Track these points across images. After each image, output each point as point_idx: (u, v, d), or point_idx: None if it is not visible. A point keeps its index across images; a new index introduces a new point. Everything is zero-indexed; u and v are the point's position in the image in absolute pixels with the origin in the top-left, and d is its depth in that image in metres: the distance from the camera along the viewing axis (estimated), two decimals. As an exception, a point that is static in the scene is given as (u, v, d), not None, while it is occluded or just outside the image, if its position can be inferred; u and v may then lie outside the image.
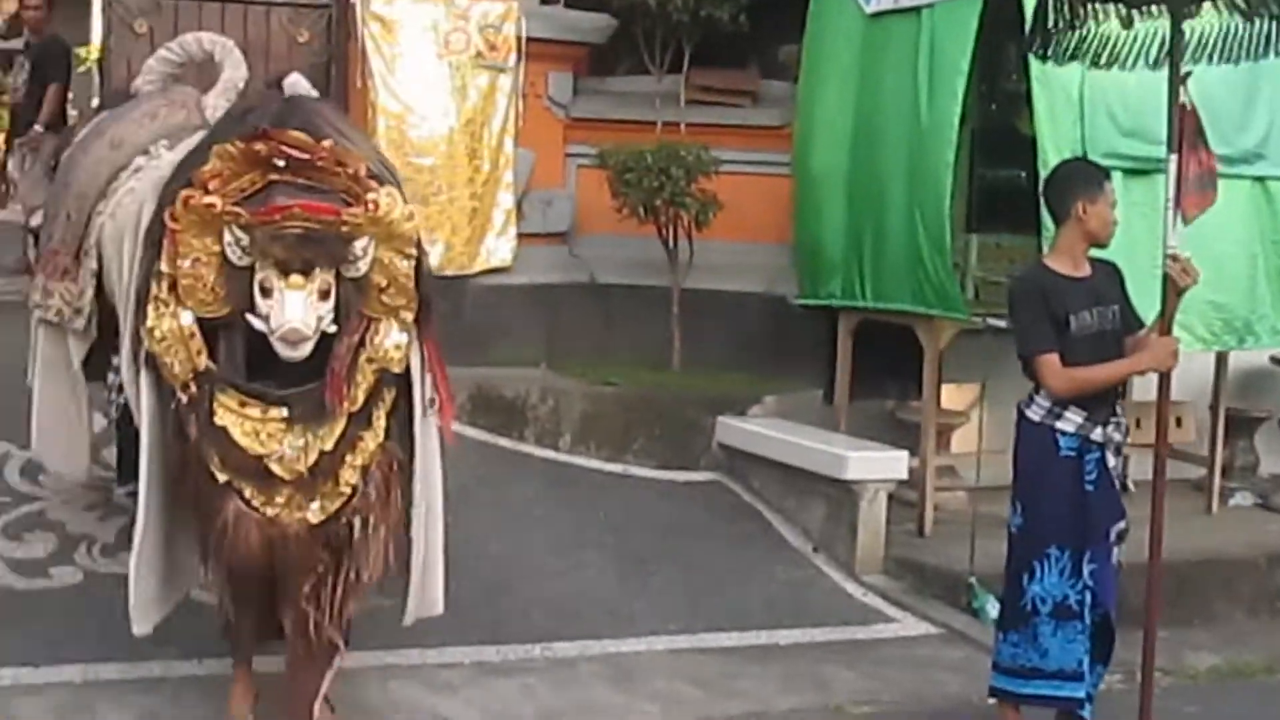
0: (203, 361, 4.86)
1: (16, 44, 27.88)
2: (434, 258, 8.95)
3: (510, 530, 7.46)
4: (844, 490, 7.72)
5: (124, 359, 5.49)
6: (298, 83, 6.55)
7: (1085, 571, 5.46)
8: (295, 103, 5.34)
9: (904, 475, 7.84)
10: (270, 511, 4.89)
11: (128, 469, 6.26)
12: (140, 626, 5.22)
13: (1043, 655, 5.50)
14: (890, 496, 7.77)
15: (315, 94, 6.41)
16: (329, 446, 4.89)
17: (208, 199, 4.72)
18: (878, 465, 7.77)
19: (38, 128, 11.45)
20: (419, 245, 4.98)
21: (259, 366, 4.90)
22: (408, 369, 5.10)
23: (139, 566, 5.18)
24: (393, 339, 4.95)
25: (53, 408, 6.45)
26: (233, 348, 4.91)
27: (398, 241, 4.87)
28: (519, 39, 9.28)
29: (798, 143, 8.84)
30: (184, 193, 4.76)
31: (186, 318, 4.84)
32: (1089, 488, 5.46)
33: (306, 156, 4.80)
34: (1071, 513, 5.45)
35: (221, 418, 4.84)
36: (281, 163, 4.81)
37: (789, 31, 9.19)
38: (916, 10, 7.86)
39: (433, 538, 5.43)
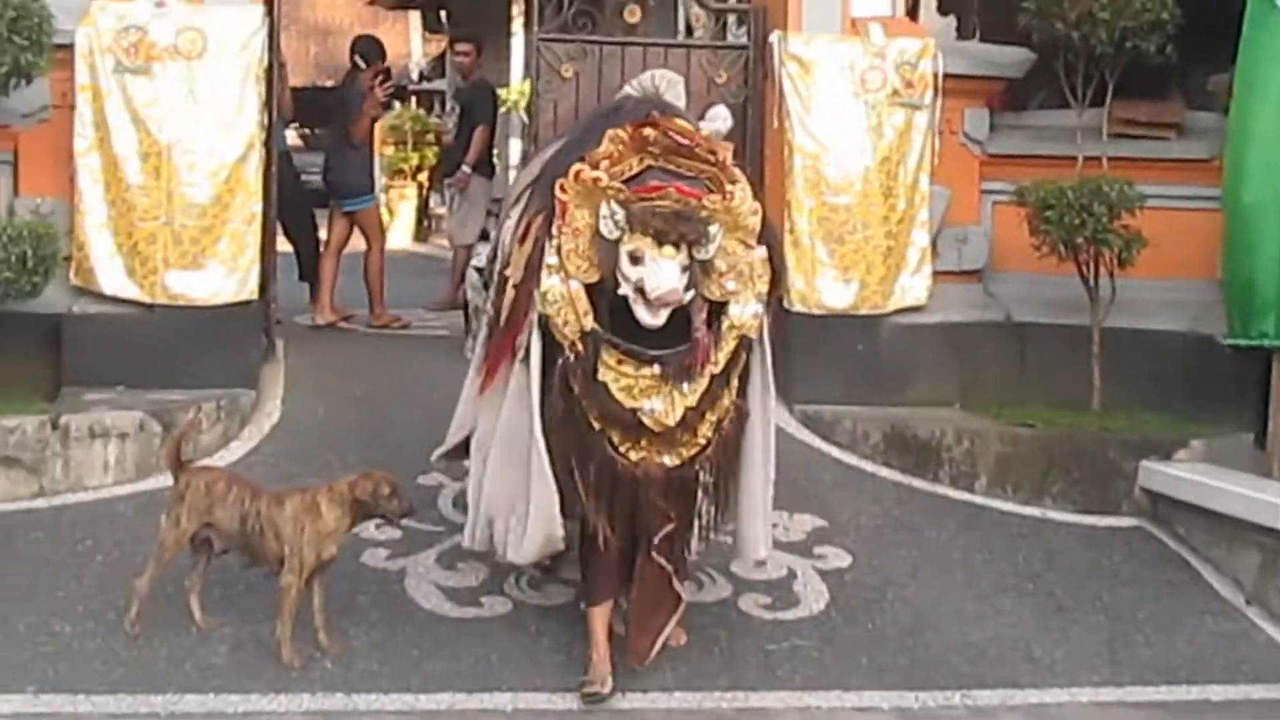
0: (589, 322, 5.50)
1: (439, 84, 29.26)
2: (849, 296, 9.06)
3: (927, 573, 7.37)
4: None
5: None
6: (719, 113, 6.76)
7: None
8: (663, 102, 6.14)
9: (1348, 522, 7.43)
10: (634, 456, 5.58)
11: None
12: (523, 557, 5.97)
13: None
14: (1330, 546, 7.39)
15: (730, 124, 6.67)
16: (693, 403, 5.54)
17: (594, 173, 5.42)
18: (1316, 511, 7.38)
19: (465, 168, 11.99)
20: (776, 235, 5.83)
21: (622, 334, 5.54)
22: None
23: (537, 505, 5.74)
24: (751, 309, 5.62)
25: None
26: (608, 311, 5.54)
27: (742, 232, 5.54)
28: (935, 76, 9.19)
29: (1228, 175, 8.46)
30: (575, 167, 5.46)
31: (574, 282, 5.50)
32: None
33: (687, 142, 5.51)
34: None
35: (602, 374, 5.49)
36: (656, 149, 5.50)
37: (1216, 61, 8.85)
38: (1362, 34, 7.48)
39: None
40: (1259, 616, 7.32)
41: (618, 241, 5.42)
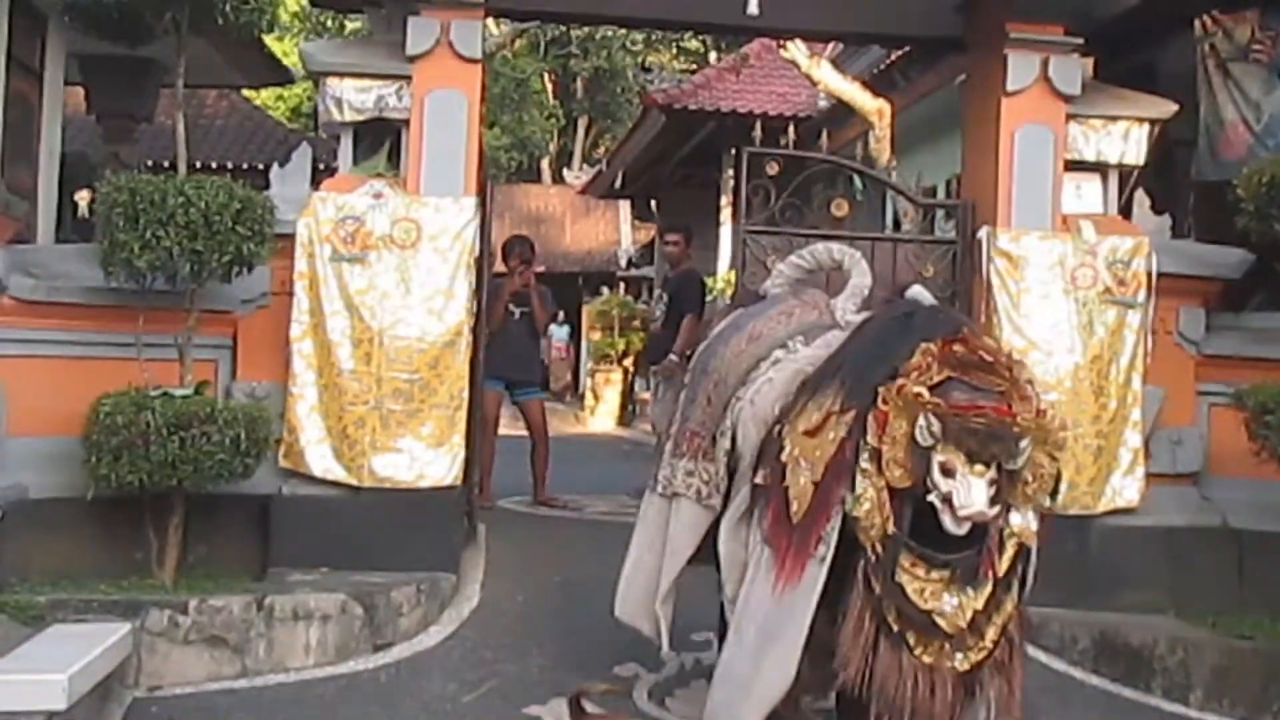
0: (891, 526, 5.54)
1: (647, 271, 29.72)
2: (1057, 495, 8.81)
3: (1137, 792, 7.07)
4: None
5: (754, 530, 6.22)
6: (921, 293, 6.77)
7: None
8: (955, 316, 6.20)
9: None
10: (927, 659, 5.55)
11: None
12: None
13: None
14: None
15: (934, 302, 6.83)
16: (980, 606, 5.55)
17: (915, 388, 5.47)
18: None
19: (673, 357, 12.02)
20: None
21: (914, 535, 5.57)
22: None
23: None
24: (1030, 519, 5.60)
25: (641, 571, 7.05)
26: (905, 515, 5.56)
27: (1050, 445, 5.54)
28: (1149, 274, 9.06)
29: None
30: (899, 381, 5.52)
31: (884, 488, 5.54)
32: None
33: (992, 359, 5.60)
34: None
35: (899, 575, 5.54)
36: (958, 362, 5.57)
37: None
38: None
39: None
40: None
41: (930, 449, 5.47)
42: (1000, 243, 9.12)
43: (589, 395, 26.28)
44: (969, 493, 5.37)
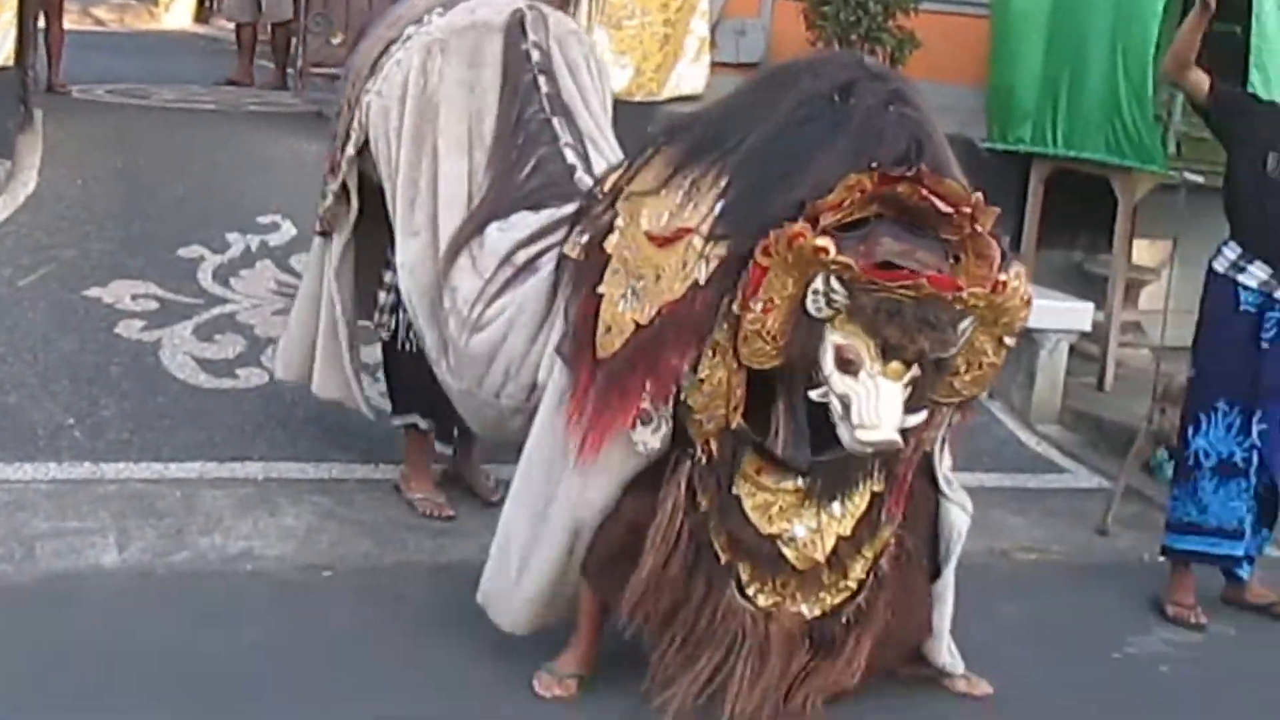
0: (736, 418, 3.96)
1: None
2: (623, 81, 8.97)
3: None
4: (1024, 338, 7.48)
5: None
6: None
7: (1254, 431, 5.36)
8: (919, 126, 3.96)
9: (1087, 327, 7.71)
10: (763, 601, 4.07)
11: (403, 398, 5.75)
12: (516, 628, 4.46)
13: (1201, 511, 5.44)
14: (1071, 348, 7.67)
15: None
16: (847, 531, 4.07)
17: (820, 241, 3.69)
18: (1061, 315, 7.62)
19: (243, -59, 11.59)
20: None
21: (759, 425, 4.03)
22: None
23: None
24: (941, 418, 4.13)
25: (301, 317, 5.93)
26: (761, 404, 3.99)
27: (1001, 328, 3.94)
28: None
29: (999, -16, 8.60)
30: (794, 229, 3.70)
31: (738, 370, 3.90)
32: (1265, 345, 5.34)
33: (950, 210, 3.81)
34: (1243, 368, 5.36)
35: (737, 486, 4.03)
36: (897, 203, 3.85)
37: None
38: None
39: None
40: (999, 410, 7.61)
41: (824, 322, 3.78)
42: None
43: (163, -12, 25.13)
44: (874, 404, 3.73)
